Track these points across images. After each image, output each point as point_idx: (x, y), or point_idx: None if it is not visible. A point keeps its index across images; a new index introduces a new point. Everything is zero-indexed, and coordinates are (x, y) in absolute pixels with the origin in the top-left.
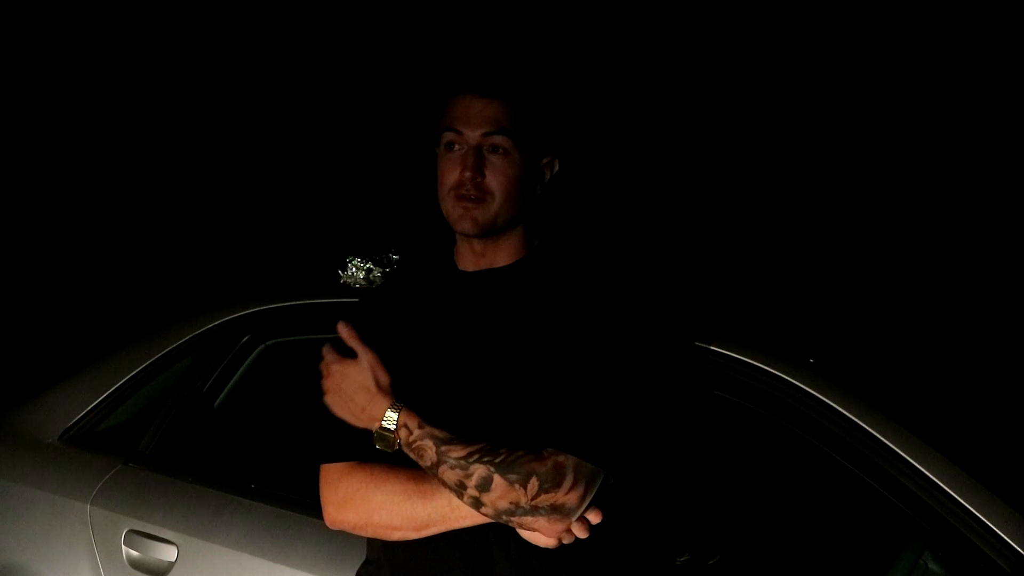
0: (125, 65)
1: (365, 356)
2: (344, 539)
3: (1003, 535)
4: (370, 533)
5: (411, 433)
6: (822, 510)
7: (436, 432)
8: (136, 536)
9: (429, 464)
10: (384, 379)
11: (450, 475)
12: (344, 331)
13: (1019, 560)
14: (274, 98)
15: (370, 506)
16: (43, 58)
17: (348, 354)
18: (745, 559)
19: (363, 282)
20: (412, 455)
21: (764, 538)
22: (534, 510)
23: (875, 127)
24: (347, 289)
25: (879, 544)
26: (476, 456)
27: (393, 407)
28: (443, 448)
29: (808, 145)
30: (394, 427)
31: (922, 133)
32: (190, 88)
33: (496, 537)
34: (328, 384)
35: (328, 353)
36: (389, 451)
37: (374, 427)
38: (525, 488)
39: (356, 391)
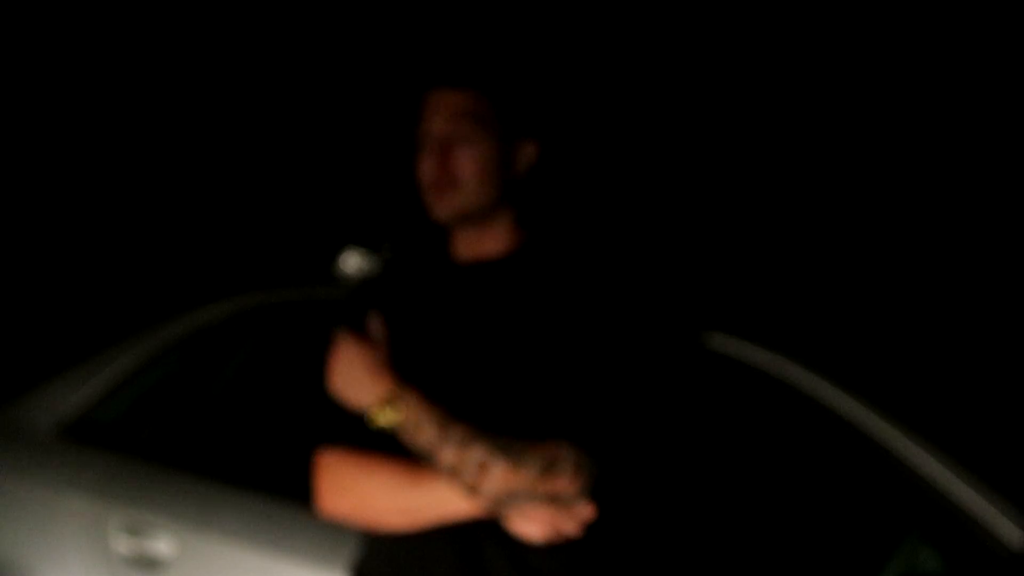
0: (120, 59)
1: (379, 338)
2: (340, 531)
3: (999, 527)
4: (364, 522)
5: (412, 412)
6: (819, 503)
7: (437, 413)
8: (132, 529)
9: (427, 446)
10: (391, 361)
11: (447, 457)
12: (372, 318)
13: (1014, 552)
14: (268, 91)
15: (364, 495)
16: (43, 58)
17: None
18: (741, 553)
19: (358, 274)
20: (409, 437)
21: (761, 531)
22: (530, 497)
23: (873, 119)
24: (342, 281)
25: (877, 537)
26: (474, 438)
27: (397, 386)
28: (443, 429)
29: (804, 135)
30: (396, 405)
31: (920, 128)
32: (184, 81)
33: (489, 531)
34: (336, 360)
35: (340, 332)
36: (385, 431)
37: (375, 405)
38: (522, 473)
39: (363, 369)
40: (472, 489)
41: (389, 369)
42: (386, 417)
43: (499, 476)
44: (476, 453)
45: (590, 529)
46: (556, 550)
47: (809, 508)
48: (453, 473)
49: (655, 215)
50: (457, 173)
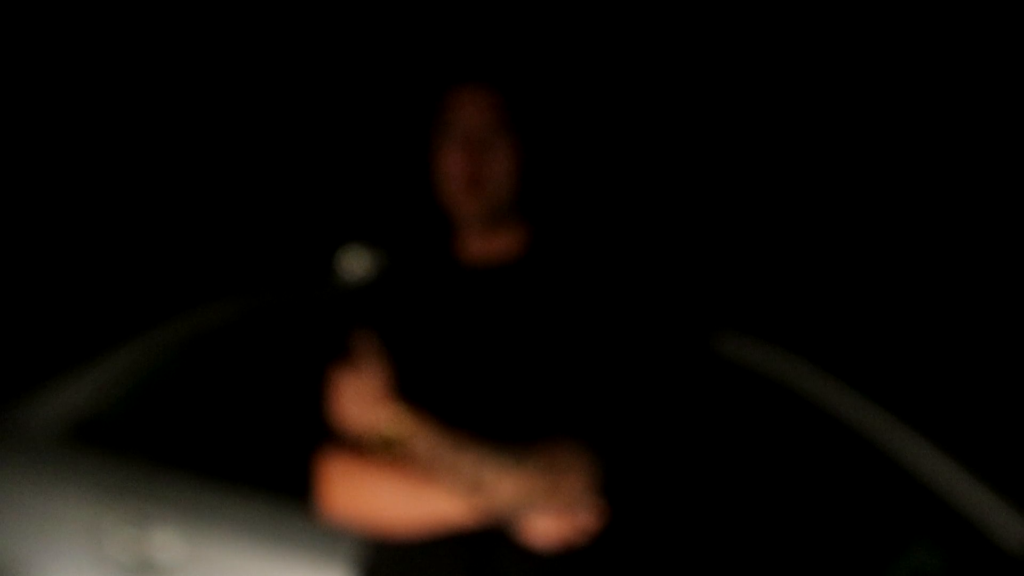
0: (121, 59)
1: (370, 361)
2: (345, 531)
3: (1003, 529)
4: (368, 528)
5: (416, 435)
6: (823, 505)
7: (442, 433)
8: (137, 530)
9: (435, 465)
10: (389, 384)
11: (456, 474)
12: (354, 336)
13: (1016, 555)
14: (268, 90)
15: (369, 501)
16: (43, 58)
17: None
18: (747, 555)
19: (359, 274)
20: (417, 458)
21: (766, 533)
22: (542, 505)
23: (879, 118)
24: (344, 281)
25: (884, 538)
26: (481, 453)
27: (397, 411)
28: (448, 448)
29: (810, 134)
30: (399, 430)
31: (924, 128)
32: (184, 81)
33: (499, 536)
34: (331, 389)
35: (330, 358)
36: (393, 454)
37: (378, 431)
38: (533, 483)
39: (360, 396)
40: (482, 501)
41: (391, 392)
42: (393, 441)
43: (512, 488)
44: (484, 469)
45: (601, 535)
46: (566, 557)
47: (813, 509)
48: (466, 489)
49: (663, 217)
50: (489, 171)
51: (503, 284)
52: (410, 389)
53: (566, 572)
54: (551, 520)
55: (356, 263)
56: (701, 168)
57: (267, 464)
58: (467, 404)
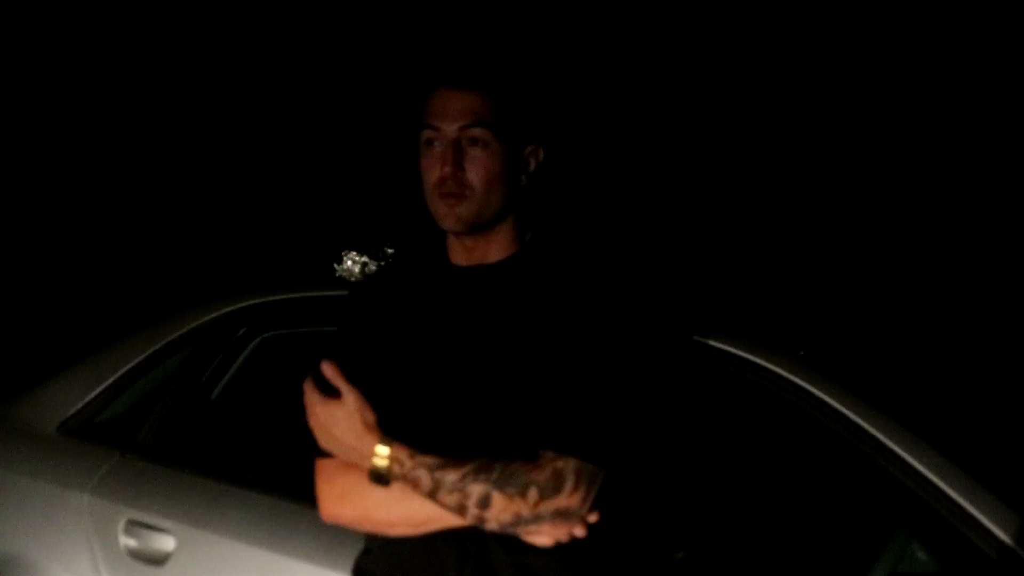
0: (124, 62)
1: (349, 396)
2: (341, 529)
3: (988, 524)
4: (367, 529)
5: (403, 465)
6: (813, 500)
7: (428, 460)
8: (134, 526)
9: (426, 492)
10: (370, 417)
11: (449, 499)
12: (328, 370)
13: (1003, 548)
14: (269, 93)
15: (368, 502)
16: (43, 58)
17: (330, 387)
18: (735, 550)
19: (358, 275)
20: (408, 486)
21: (754, 528)
22: (537, 518)
23: (872, 120)
24: (343, 282)
25: (868, 533)
26: (471, 476)
27: (382, 443)
28: (437, 474)
29: (804, 137)
30: (385, 463)
31: (920, 127)
32: (187, 83)
33: (493, 533)
34: (314, 423)
35: (310, 392)
36: (384, 486)
37: (365, 464)
38: (525, 498)
39: (343, 431)
40: (478, 521)
41: (373, 427)
42: (379, 475)
43: (502, 507)
44: (475, 490)
45: (593, 529)
46: (559, 549)
47: (804, 507)
48: (457, 511)
49: (654, 218)
50: (469, 180)
51: (489, 284)
52: (398, 393)
53: (559, 567)
54: (548, 529)
55: (354, 265)
56: (690, 171)
57: (265, 464)
58: (453, 408)
